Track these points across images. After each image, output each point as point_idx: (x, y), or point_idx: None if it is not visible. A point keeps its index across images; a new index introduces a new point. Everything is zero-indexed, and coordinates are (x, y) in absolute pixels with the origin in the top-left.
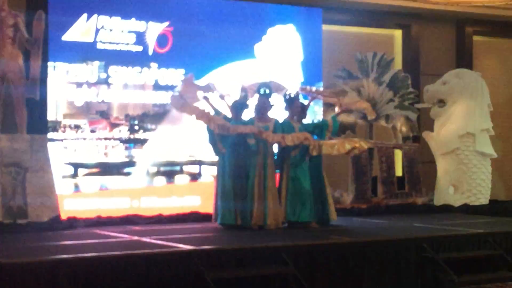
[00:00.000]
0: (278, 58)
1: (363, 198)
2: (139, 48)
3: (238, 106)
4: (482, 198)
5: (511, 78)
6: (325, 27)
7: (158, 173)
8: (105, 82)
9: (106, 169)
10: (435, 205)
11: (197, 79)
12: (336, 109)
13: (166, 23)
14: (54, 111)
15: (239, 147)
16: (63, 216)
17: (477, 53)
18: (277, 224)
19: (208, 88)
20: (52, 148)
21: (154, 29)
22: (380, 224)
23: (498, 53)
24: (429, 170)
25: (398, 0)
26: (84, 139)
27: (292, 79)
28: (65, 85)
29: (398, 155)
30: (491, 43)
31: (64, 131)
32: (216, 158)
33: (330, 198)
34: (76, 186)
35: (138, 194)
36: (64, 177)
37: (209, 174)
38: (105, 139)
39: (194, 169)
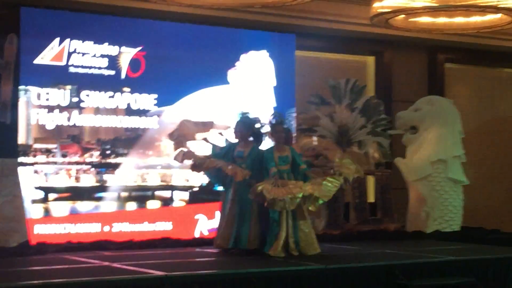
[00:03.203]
0: (251, 84)
1: (335, 224)
2: (112, 72)
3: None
4: (454, 224)
5: (483, 105)
6: (298, 53)
7: (130, 198)
8: (77, 106)
9: (77, 193)
10: (408, 231)
11: (170, 104)
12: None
13: (139, 48)
14: (24, 135)
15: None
16: (33, 241)
17: (449, 80)
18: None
19: (207, 126)
20: (22, 173)
21: (127, 54)
22: (352, 250)
23: (469, 80)
24: (402, 196)
25: (371, 27)
26: (55, 163)
27: (264, 105)
28: (36, 109)
29: (371, 181)
30: (463, 70)
31: (34, 155)
32: (187, 184)
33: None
34: (47, 211)
35: (109, 219)
36: (34, 201)
37: (180, 199)
38: (76, 163)
39: (166, 194)
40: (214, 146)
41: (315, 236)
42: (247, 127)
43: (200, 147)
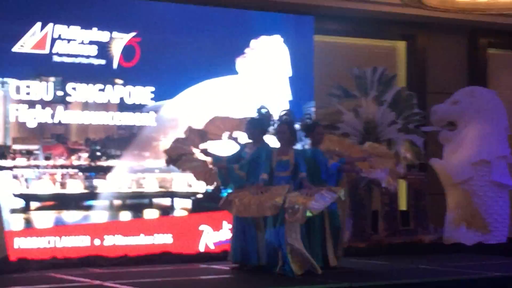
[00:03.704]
0: (263, 74)
1: (361, 235)
2: (102, 62)
3: (255, 127)
4: (499, 235)
5: None
6: (317, 37)
7: (124, 206)
8: (62, 101)
9: (63, 202)
10: (445, 244)
11: (169, 98)
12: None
13: (133, 33)
14: (2, 135)
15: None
16: (13, 257)
17: (492, 68)
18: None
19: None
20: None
21: (119, 40)
22: (381, 266)
23: None
24: (438, 203)
25: (402, 7)
26: (38, 167)
27: (279, 98)
28: (15, 104)
29: (403, 186)
30: (508, 56)
31: (14, 158)
32: (190, 190)
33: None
34: (28, 222)
35: (101, 231)
36: (13, 211)
37: (182, 207)
38: (62, 167)
39: (166, 201)
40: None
41: None
42: (256, 126)
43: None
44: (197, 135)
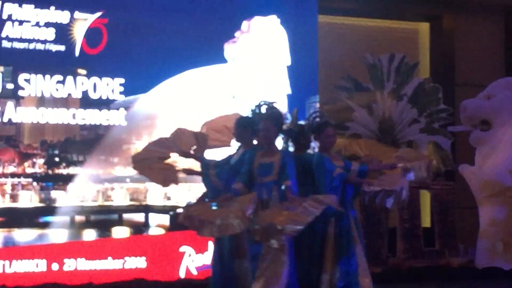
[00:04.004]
0: (257, 62)
1: (376, 258)
2: (61, 48)
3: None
4: None
5: None
6: (322, 18)
7: (88, 223)
8: (13, 95)
9: (14, 218)
10: (477, 268)
11: (142, 92)
12: None
13: (99, 13)
14: None
15: None
16: None
17: None
18: None
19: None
20: None
21: (82, 22)
22: None
23: None
24: (469, 219)
25: None
26: None
27: (275, 91)
28: None
29: (426, 198)
30: None
31: None
32: (168, 203)
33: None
34: None
35: (59, 254)
36: None
37: (158, 224)
38: (13, 175)
39: (139, 217)
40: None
41: None
42: (245, 126)
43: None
44: (194, 138)
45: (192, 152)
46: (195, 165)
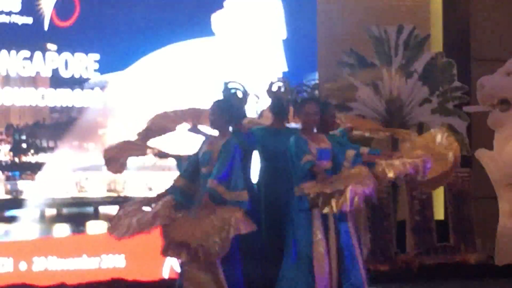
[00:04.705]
0: (248, 36)
1: (383, 255)
2: (28, 20)
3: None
4: None
5: None
6: None
7: (60, 217)
8: None
9: None
10: (498, 265)
11: (120, 69)
12: None
13: None
14: None
15: None
16: None
17: None
18: None
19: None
20: None
21: None
22: None
23: None
24: (487, 211)
25: None
26: None
27: (269, 68)
28: None
29: (439, 188)
30: None
31: None
32: (150, 195)
33: None
34: None
35: (28, 252)
36: None
37: None
38: None
39: (117, 210)
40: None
41: None
42: (221, 110)
43: None
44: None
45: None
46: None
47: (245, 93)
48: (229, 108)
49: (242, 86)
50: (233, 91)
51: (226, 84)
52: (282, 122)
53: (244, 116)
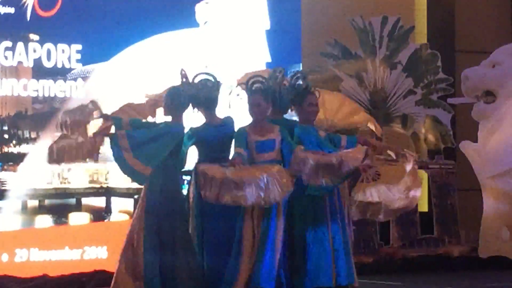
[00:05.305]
0: (232, 26)
1: (366, 246)
2: (10, 10)
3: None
4: None
5: None
6: None
7: (42, 208)
8: None
9: None
10: (481, 257)
11: (102, 60)
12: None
13: None
14: None
15: None
16: None
17: None
18: None
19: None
20: None
21: None
22: (395, 287)
23: None
24: (471, 202)
25: None
26: None
27: (253, 59)
28: None
29: (423, 179)
30: None
31: None
32: (133, 185)
33: None
34: None
35: (9, 243)
36: None
37: (121, 210)
38: None
39: (99, 202)
40: None
41: None
42: (173, 97)
43: None
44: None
45: None
46: None
47: (216, 83)
48: (179, 94)
49: (213, 76)
50: (202, 81)
51: (196, 75)
52: (280, 113)
53: (216, 104)
